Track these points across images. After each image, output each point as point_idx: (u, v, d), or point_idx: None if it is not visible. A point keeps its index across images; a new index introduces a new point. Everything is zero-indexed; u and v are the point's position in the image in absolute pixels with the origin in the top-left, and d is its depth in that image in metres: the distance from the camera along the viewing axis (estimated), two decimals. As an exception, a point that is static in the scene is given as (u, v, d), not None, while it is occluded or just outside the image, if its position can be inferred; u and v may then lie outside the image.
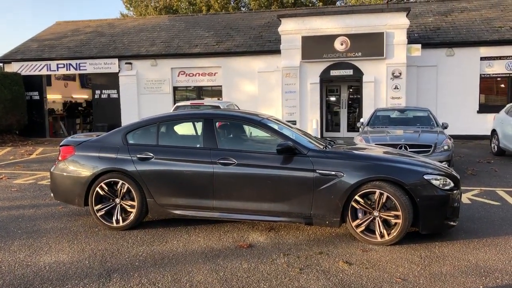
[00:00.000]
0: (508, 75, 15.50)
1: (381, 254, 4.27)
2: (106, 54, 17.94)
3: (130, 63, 17.72)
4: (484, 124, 14.75)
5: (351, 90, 16.67)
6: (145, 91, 17.76)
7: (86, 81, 21.96)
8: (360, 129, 9.98)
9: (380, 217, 4.48)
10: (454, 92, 15.53)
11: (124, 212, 5.08)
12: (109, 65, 17.77)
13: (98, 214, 5.10)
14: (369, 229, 4.55)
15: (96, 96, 18.37)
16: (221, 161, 4.80)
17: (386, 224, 4.50)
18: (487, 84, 15.75)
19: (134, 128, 5.33)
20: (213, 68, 17.38)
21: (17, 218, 5.71)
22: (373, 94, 14.80)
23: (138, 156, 5.03)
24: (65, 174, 5.30)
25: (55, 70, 18.46)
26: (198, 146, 5.10)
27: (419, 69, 15.55)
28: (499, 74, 15.59)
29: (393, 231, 4.45)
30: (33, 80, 18.43)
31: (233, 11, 30.37)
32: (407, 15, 14.44)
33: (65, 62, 18.16)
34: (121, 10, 44.43)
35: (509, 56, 15.35)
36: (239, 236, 4.87)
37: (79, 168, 5.21)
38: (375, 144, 7.46)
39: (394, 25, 14.33)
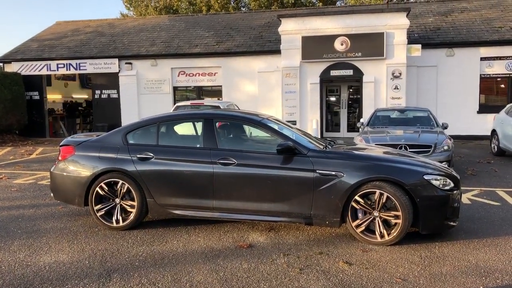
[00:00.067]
0: (508, 75, 15.50)
1: (381, 254, 4.27)
2: (106, 54, 17.94)
3: (130, 63, 17.72)
4: (484, 124, 14.75)
5: (351, 90, 16.67)
6: (145, 91, 17.76)
7: (86, 81, 21.97)
8: (360, 129, 9.98)
9: (380, 217, 4.48)
10: (454, 92, 15.53)
11: (124, 212, 5.08)
12: (109, 65, 17.77)
13: (98, 214, 5.10)
14: (369, 229, 4.55)
15: (96, 96, 18.37)
16: (221, 161, 4.80)
17: (386, 224, 4.50)
18: (487, 84, 15.75)
19: (134, 128, 5.33)
20: (213, 68, 17.38)
21: (17, 218, 5.71)
22: (373, 94, 14.80)
23: (138, 156, 5.03)
24: (65, 174, 5.30)
25: (55, 70, 18.46)
26: (198, 146, 5.10)
27: (419, 69, 15.55)
28: (499, 74, 15.59)
29: (393, 231, 4.45)
30: (33, 80, 18.42)
31: (233, 11, 30.38)
32: (407, 15, 14.44)
33: (65, 62, 18.16)
34: (121, 10, 44.55)
35: (509, 57, 15.35)
36: (239, 236, 4.87)
37: (79, 168, 5.21)
38: (375, 144, 7.46)
39: (394, 25, 14.34)
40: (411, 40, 15.28)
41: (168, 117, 5.53)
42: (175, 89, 17.80)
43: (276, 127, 5.19)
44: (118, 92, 17.97)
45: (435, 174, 4.56)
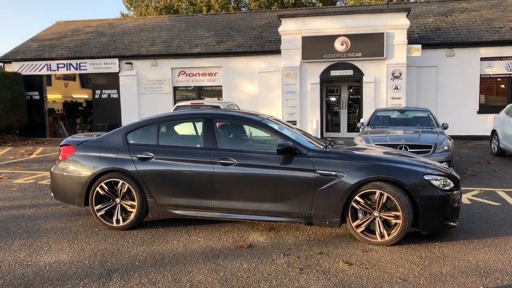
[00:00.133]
0: (508, 75, 15.50)
1: (381, 255, 4.27)
2: (107, 54, 17.95)
3: (131, 63, 17.72)
4: (484, 124, 14.76)
5: (351, 90, 16.67)
6: (145, 91, 17.76)
7: (86, 81, 21.97)
8: (360, 129, 9.98)
9: (380, 218, 4.48)
10: (454, 92, 15.53)
11: (124, 212, 5.09)
12: (110, 65, 17.77)
13: (98, 214, 5.10)
14: (369, 230, 4.56)
15: (96, 96, 18.37)
16: (221, 161, 4.81)
17: (386, 224, 4.51)
18: (487, 84, 15.75)
19: (134, 128, 5.33)
20: (213, 68, 17.39)
21: (17, 218, 5.72)
22: (373, 94, 14.80)
23: (138, 156, 5.04)
24: (65, 174, 5.31)
25: (55, 70, 18.46)
26: (198, 146, 5.10)
27: (419, 70, 15.55)
28: (499, 74, 15.59)
29: (393, 231, 4.45)
30: (33, 80, 18.43)
31: (234, 11, 30.39)
32: (407, 16, 14.44)
33: (65, 62, 18.16)
34: (121, 10, 44.54)
35: (509, 57, 15.35)
36: (239, 236, 4.88)
37: (80, 168, 5.21)
38: (375, 144, 7.46)
39: (394, 26, 14.34)
40: (411, 40, 15.28)
41: (168, 117, 5.53)
42: (175, 89, 17.80)
43: (276, 127, 5.19)
44: (118, 92, 17.98)
45: (435, 174, 4.56)
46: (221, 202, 4.85)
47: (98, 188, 5.08)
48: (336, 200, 4.53)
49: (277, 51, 15.78)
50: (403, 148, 7.54)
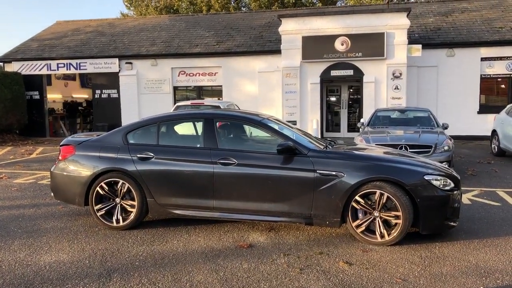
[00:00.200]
0: (509, 75, 15.50)
1: (381, 255, 4.27)
2: (107, 54, 17.94)
3: (131, 63, 17.72)
4: (484, 124, 14.75)
5: (351, 90, 16.67)
6: (146, 91, 17.76)
7: (86, 80, 21.96)
8: (360, 129, 9.98)
9: (381, 218, 4.48)
10: (455, 92, 15.52)
11: (124, 212, 5.09)
12: (110, 65, 17.77)
13: (98, 214, 5.10)
14: (370, 230, 4.55)
15: (96, 96, 18.36)
16: (221, 161, 4.80)
17: (387, 224, 4.50)
18: (488, 84, 15.75)
19: (134, 128, 5.33)
20: (214, 68, 17.38)
21: (17, 218, 5.71)
22: (373, 94, 14.79)
23: (138, 156, 5.03)
24: (65, 173, 5.30)
25: (55, 70, 18.45)
26: (198, 146, 5.10)
27: (420, 70, 15.54)
28: (499, 74, 15.58)
29: (393, 231, 4.45)
30: (33, 80, 18.43)
31: (234, 11, 30.38)
32: (407, 16, 14.44)
33: (65, 61, 18.16)
34: (121, 10, 44.48)
35: (509, 57, 15.34)
36: (239, 236, 4.87)
37: (80, 167, 5.21)
38: (376, 144, 7.45)
39: (395, 26, 14.33)
40: (412, 40, 15.27)
41: (168, 117, 5.53)
42: (175, 89, 17.80)
43: (276, 127, 5.19)
44: (118, 92, 17.97)
45: (436, 175, 4.56)
46: (221, 202, 4.85)
47: (98, 188, 5.08)
48: (336, 200, 4.52)
49: (277, 51, 15.78)
50: (403, 148, 7.54)
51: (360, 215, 4.58)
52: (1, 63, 19.02)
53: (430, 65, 15.53)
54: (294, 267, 3.98)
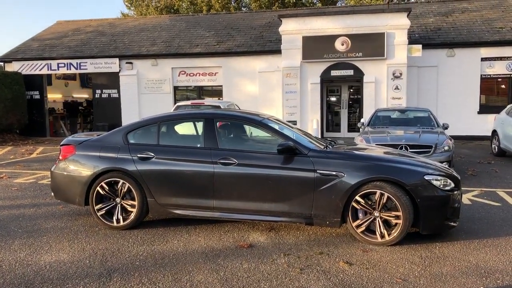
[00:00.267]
0: (509, 75, 15.49)
1: (382, 255, 4.27)
2: (107, 54, 17.94)
3: (131, 63, 17.72)
4: (484, 124, 14.75)
5: (351, 90, 16.66)
6: (146, 91, 17.76)
7: (86, 80, 21.97)
8: (360, 129, 9.98)
9: (381, 218, 4.48)
10: (455, 92, 15.52)
11: (125, 212, 5.09)
12: (110, 65, 17.77)
13: (99, 214, 5.10)
14: (370, 230, 4.55)
15: (96, 96, 18.37)
16: (221, 161, 4.81)
17: (387, 224, 4.51)
18: (488, 84, 15.74)
19: (134, 128, 5.33)
20: (214, 68, 17.38)
21: (18, 217, 5.72)
22: (373, 94, 14.79)
23: (138, 155, 5.04)
24: (65, 173, 5.31)
25: (55, 70, 18.45)
26: (198, 146, 5.10)
27: (420, 70, 15.54)
28: (499, 74, 15.58)
29: (393, 231, 4.45)
30: (33, 80, 18.44)
31: (234, 11, 30.39)
32: (408, 16, 14.43)
33: (65, 61, 18.16)
34: (121, 10, 44.39)
35: (509, 57, 15.33)
36: (239, 236, 4.87)
37: (80, 167, 5.21)
38: (376, 144, 7.45)
39: (395, 26, 14.33)
40: (412, 40, 15.27)
41: (168, 116, 5.53)
42: (175, 88, 17.80)
43: (276, 127, 5.19)
44: (118, 92, 17.98)
45: (436, 175, 4.56)
46: (221, 202, 4.85)
47: (98, 188, 5.08)
48: (337, 200, 4.52)
49: (278, 51, 15.78)
50: (403, 148, 7.54)
51: (360, 215, 4.58)
52: (2, 63, 19.02)
53: (430, 65, 15.53)
54: (294, 267, 3.98)
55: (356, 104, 16.41)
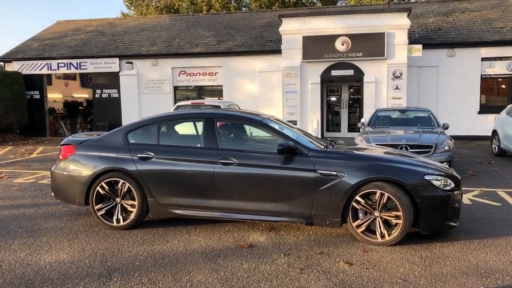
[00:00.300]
0: (509, 75, 15.49)
1: (382, 255, 4.27)
2: (107, 54, 17.94)
3: (131, 63, 17.72)
4: (485, 124, 14.75)
5: (352, 90, 16.66)
6: (146, 91, 17.76)
7: (86, 80, 21.97)
8: (360, 129, 9.98)
9: (381, 218, 4.48)
10: (455, 92, 15.52)
11: (125, 212, 5.09)
12: (110, 65, 17.77)
13: (99, 214, 5.10)
14: (370, 230, 4.55)
15: (96, 96, 18.36)
16: (222, 161, 4.80)
17: (387, 224, 4.50)
18: (488, 84, 15.74)
19: (134, 128, 5.33)
20: (214, 67, 17.38)
21: (18, 217, 5.72)
22: (374, 94, 14.78)
23: (138, 155, 5.03)
24: (65, 173, 5.30)
25: (55, 69, 18.45)
26: (199, 145, 5.10)
27: (420, 70, 15.54)
28: (500, 74, 15.58)
29: (393, 231, 4.45)
30: (33, 79, 18.44)
31: (234, 11, 30.39)
32: (408, 16, 14.43)
33: (65, 61, 18.16)
34: (121, 10, 44.35)
35: (510, 57, 15.32)
36: (239, 236, 4.87)
37: (80, 167, 5.21)
38: (376, 144, 7.45)
39: (395, 26, 14.32)
40: (412, 40, 15.27)
41: (168, 116, 5.53)
42: (175, 88, 17.80)
43: (277, 127, 5.19)
44: (118, 92, 17.97)
45: (436, 175, 4.55)
46: (221, 202, 4.85)
47: (98, 188, 5.08)
48: (337, 200, 4.52)
49: (278, 51, 15.77)
50: (403, 148, 7.53)
51: (360, 215, 4.58)
52: (2, 63, 19.02)
53: (431, 65, 15.52)
54: (295, 267, 3.98)
55: (356, 104, 16.41)
